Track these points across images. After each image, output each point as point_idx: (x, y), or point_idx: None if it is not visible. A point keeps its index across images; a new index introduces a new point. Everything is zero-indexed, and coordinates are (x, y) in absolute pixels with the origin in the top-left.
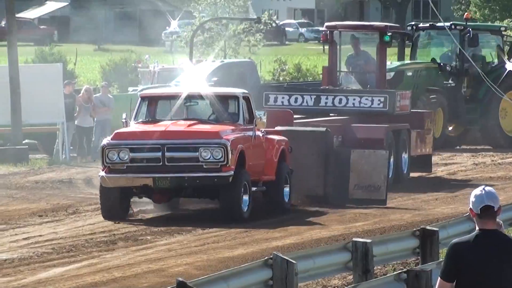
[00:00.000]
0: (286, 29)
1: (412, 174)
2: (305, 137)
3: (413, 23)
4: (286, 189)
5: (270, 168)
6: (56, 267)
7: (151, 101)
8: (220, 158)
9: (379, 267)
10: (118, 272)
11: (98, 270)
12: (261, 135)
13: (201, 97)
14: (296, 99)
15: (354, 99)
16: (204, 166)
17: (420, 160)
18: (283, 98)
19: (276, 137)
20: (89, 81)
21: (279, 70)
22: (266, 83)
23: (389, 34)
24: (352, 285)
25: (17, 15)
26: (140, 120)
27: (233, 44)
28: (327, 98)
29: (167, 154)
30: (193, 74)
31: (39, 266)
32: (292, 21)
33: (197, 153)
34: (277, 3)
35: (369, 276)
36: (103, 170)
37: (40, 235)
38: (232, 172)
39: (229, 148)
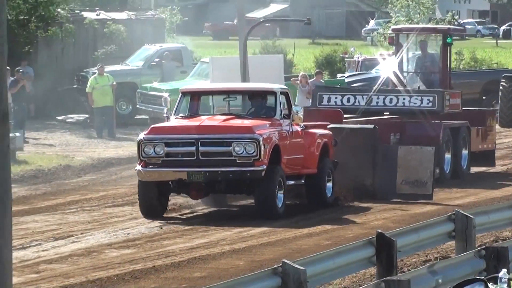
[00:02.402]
0: (466, 26)
1: (474, 169)
2: (354, 134)
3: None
4: (329, 184)
5: (311, 162)
6: (277, 221)
7: (192, 96)
8: (252, 153)
9: None
10: (329, 225)
11: (315, 224)
12: (299, 129)
13: (240, 92)
14: (348, 99)
15: (404, 99)
16: (237, 161)
17: (483, 156)
18: (336, 98)
19: (318, 131)
20: (304, 69)
21: (459, 60)
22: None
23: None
24: None
25: (247, 15)
26: (180, 115)
27: (422, 39)
28: (378, 98)
29: (201, 148)
30: (389, 63)
31: (263, 221)
32: (471, 20)
33: (230, 148)
34: (459, 5)
35: None
36: (139, 164)
37: None
38: (265, 167)
39: (261, 142)
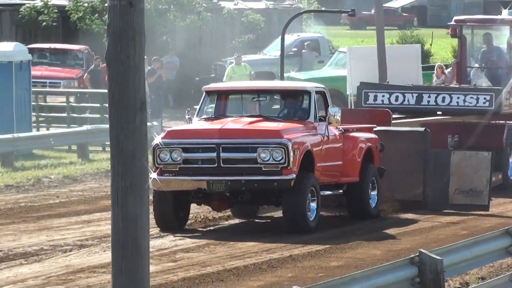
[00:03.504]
0: None
1: None
2: (403, 138)
3: None
4: (373, 193)
5: (351, 169)
6: (415, 211)
7: (217, 96)
8: (280, 160)
9: None
10: (466, 215)
11: (452, 213)
12: (337, 133)
13: (270, 91)
14: (397, 97)
15: (458, 97)
16: (263, 169)
17: None
18: (383, 96)
19: (360, 135)
20: (442, 59)
21: None
22: None
23: None
24: None
25: (384, 5)
26: (203, 117)
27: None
28: (429, 97)
29: (223, 154)
30: None
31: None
32: None
33: (255, 154)
34: None
35: None
36: (154, 172)
37: None
38: (294, 175)
39: (290, 148)
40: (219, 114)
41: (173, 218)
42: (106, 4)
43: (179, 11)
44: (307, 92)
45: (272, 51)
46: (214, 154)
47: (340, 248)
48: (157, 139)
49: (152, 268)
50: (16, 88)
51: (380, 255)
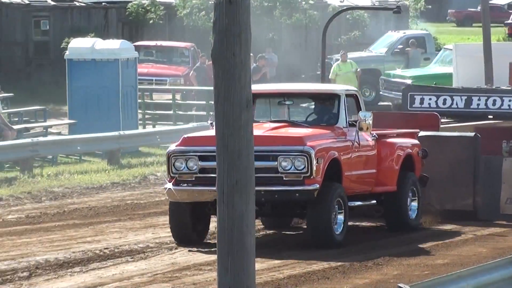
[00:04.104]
0: None
1: None
2: (452, 144)
3: None
4: (413, 203)
5: (388, 177)
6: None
7: None
8: (302, 169)
9: None
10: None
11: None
12: (370, 139)
13: (297, 95)
14: (444, 100)
15: (510, 100)
16: (284, 178)
17: None
18: (430, 99)
19: (398, 141)
20: None
21: None
22: None
23: None
24: None
25: (490, 2)
26: None
27: None
28: (479, 100)
29: None
30: None
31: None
32: None
33: (276, 163)
34: None
35: None
36: (169, 181)
37: None
38: (318, 186)
39: (313, 156)
40: None
41: (191, 231)
42: (210, 2)
43: (285, 8)
44: (336, 96)
45: (378, 48)
46: None
47: (445, 245)
48: (172, 147)
49: (257, 266)
50: (123, 85)
51: (486, 252)
